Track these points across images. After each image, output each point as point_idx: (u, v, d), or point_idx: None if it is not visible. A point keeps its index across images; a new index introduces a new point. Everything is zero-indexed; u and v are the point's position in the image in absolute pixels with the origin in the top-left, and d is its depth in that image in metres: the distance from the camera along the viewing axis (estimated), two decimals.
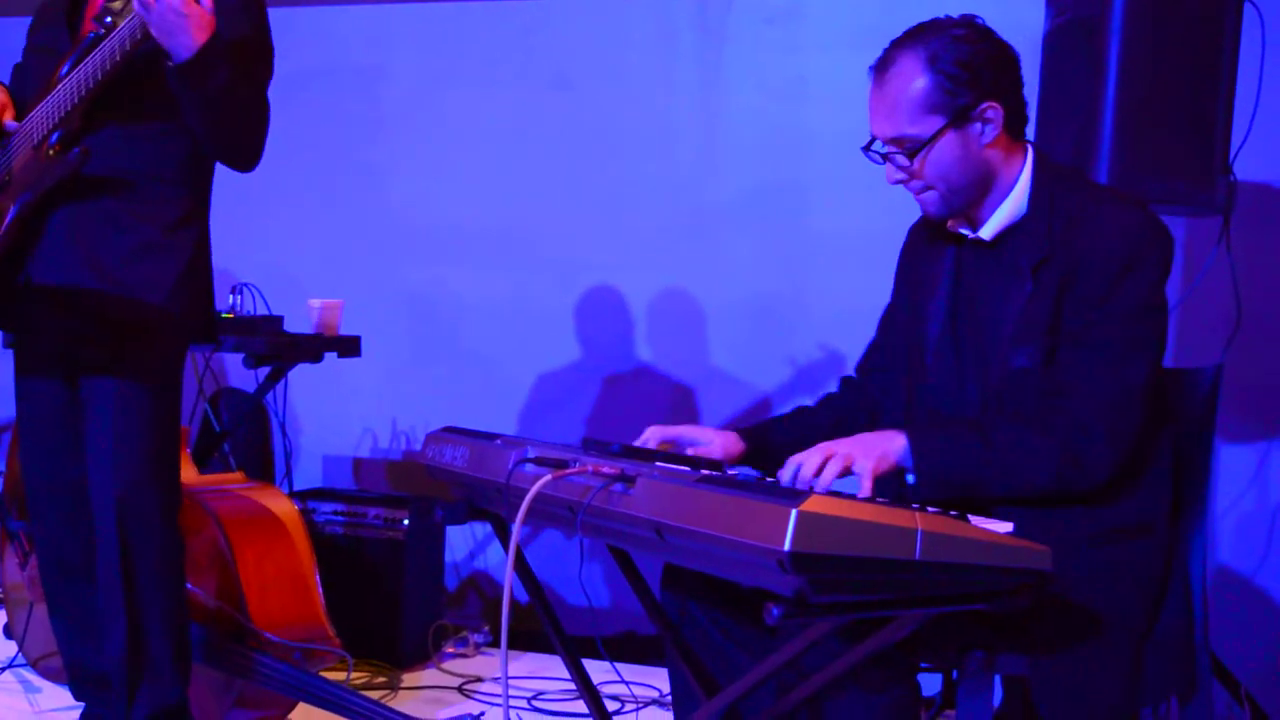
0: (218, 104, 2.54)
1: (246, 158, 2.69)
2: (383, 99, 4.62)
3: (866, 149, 2.21)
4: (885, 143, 2.17)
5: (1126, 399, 2.08)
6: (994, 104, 2.12)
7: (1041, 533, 1.94)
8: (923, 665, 2.15)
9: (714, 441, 2.33)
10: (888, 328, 2.46)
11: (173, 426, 2.76)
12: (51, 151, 2.62)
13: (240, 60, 2.57)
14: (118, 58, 2.51)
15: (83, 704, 2.91)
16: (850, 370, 2.54)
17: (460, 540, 4.49)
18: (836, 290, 4.02)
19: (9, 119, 2.70)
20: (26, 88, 2.76)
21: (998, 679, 2.14)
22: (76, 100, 2.57)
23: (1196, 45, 3.04)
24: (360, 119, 4.63)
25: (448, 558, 4.20)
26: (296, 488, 4.31)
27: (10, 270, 2.69)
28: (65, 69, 2.61)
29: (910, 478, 2.07)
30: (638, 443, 2.28)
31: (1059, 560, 1.79)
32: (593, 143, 4.38)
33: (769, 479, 2.06)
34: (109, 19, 2.55)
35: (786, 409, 2.53)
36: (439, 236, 4.55)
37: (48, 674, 3.53)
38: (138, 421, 2.67)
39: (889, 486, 2.13)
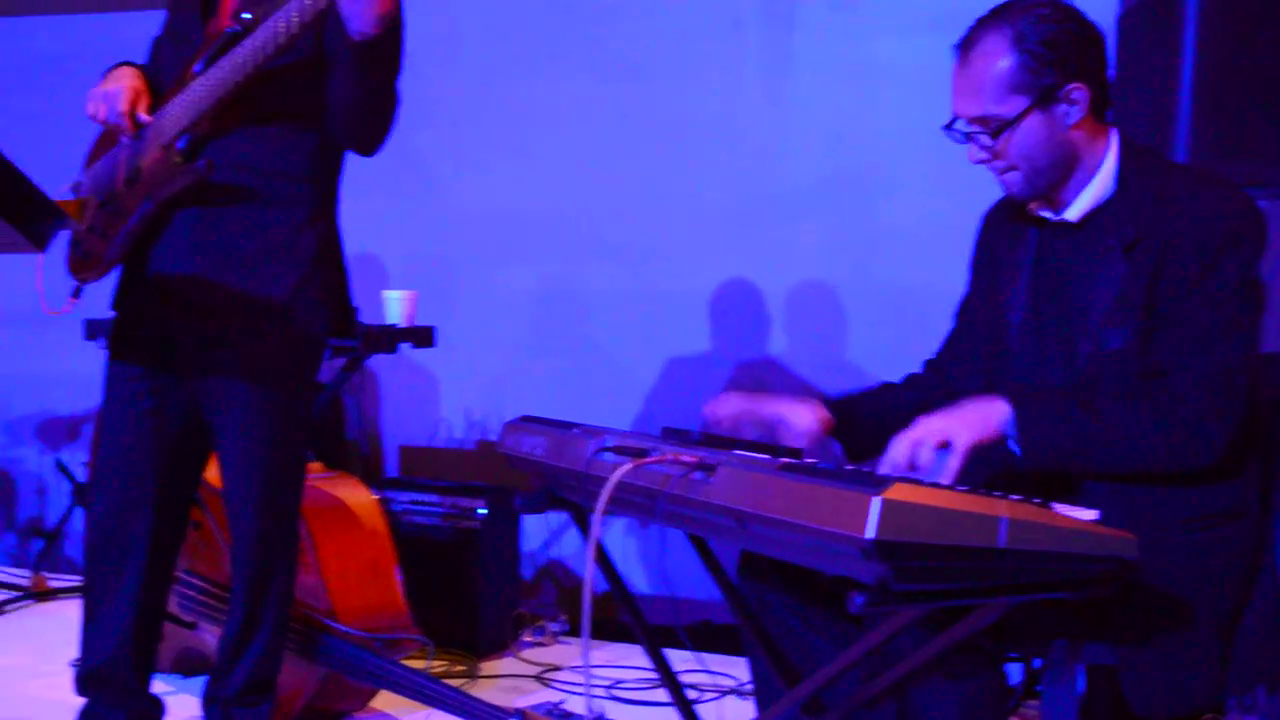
0: (378, 85, 2.52)
1: (376, 141, 2.63)
2: (448, 88, 4.63)
3: (949, 127, 2.19)
4: (969, 122, 2.15)
5: (1230, 378, 2.05)
6: (1080, 85, 2.09)
7: (1131, 518, 1.92)
8: (1009, 655, 2.14)
9: (800, 411, 2.28)
10: (965, 317, 2.43)
11: (303, 427, 2.75)
12: (178, 159, 2.58)
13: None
14: (280, 44, 2.41)
15: (84, 700, 2.79)
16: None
17: (534, 530, 4.51)
18: (908, 278, 4.00)
19: (143, 110, 2.62)
20: (161, 72, 2.71)
21: (1081, 668, 2.12)
22: (210, 104, 2.51)
23: (1274, 23, 2.99)
24: (427, 107, 4.64)
25: (523, 547, 4.22)
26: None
27: (137, 270, 2.69)
28: (199, 66, 2.55)
29: (1014, 446, 2.03)
30: (710, 405, 2.27)
31: (1149, 546, 1.77)
32: (659, 132, 4.38)
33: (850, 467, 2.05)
34: (246, 15, 2.49)
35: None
36: (505, 226, 4.56)
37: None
38: (270, 426, 2.66)
39: (983, 459, 2.10)
